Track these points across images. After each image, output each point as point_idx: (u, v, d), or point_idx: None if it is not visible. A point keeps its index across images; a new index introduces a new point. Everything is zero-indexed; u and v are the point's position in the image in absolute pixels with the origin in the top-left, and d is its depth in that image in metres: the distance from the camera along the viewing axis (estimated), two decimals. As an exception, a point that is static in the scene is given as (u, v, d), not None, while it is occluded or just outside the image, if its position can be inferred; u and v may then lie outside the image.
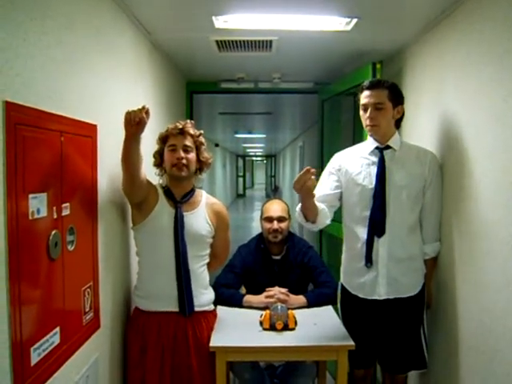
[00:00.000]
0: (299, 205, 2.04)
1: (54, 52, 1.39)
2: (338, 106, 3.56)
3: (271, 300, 2.27)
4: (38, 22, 1.29)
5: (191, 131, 2.03)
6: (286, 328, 2.07)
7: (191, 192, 2.09)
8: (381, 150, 2.10)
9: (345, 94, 3.21)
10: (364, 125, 2.12)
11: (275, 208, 2.57)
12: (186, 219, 2.01)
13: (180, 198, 2.04)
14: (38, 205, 1.27)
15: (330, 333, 2.08)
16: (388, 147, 2.10)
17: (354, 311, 2.18)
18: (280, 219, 2.53)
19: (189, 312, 1.98)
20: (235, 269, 2.51)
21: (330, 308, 2.36)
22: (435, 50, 2.24)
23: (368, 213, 2.06)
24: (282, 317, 2.09)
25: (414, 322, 2.11)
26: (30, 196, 1.24)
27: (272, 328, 2.07)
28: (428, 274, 2.16)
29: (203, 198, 2.14)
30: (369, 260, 2.05)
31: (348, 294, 2.18)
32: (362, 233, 2.08)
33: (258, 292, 2.39)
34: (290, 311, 2.13)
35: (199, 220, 2.06)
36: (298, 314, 2.16)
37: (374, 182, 2.06)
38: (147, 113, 1.72)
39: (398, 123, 2.14)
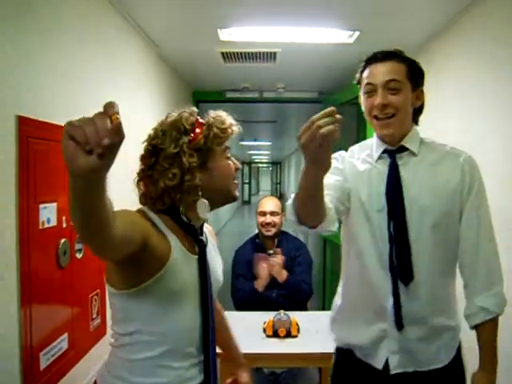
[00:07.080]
0: (292, 196, 1.23)
1: (62, 68, 1.44)
2: (342, 115, 3.60)
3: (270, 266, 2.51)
4: (48, 39, 1.35)
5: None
6: (288, 335, 2.10)
7: None
8: (392, 155, 1.34)
9: (348, 104, 3.25)
10: (369, 118, 1.34)
11: (269, 203, 2.84)
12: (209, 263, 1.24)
13: (199, 233, 1.22)
14: (48, 214, 1.32)
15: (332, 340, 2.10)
16: (402, 149, 1.34)
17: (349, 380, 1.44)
18: (273, 213, 2.77)
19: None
20: (240, 271, 2.73)
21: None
22: (437, 59, 2.28)
23: (383, 249, 1.30)
24: (285, 324, 2.12)
25: None
26: (41, 206, 1.29)
27: (275, 335, 2.11)
28: (483, 350, 1.27)
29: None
30: (399, 319, 1.29)
31: (344, 354, 1.46)
32: (373, 274, 1.32)
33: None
34: (292, 318, 2.15)
35: (216, 257, 1.34)
36: (301, 322, 2.19)
37: (383, 203, 1.31)
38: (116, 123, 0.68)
39: (415, 115, 1.38)
